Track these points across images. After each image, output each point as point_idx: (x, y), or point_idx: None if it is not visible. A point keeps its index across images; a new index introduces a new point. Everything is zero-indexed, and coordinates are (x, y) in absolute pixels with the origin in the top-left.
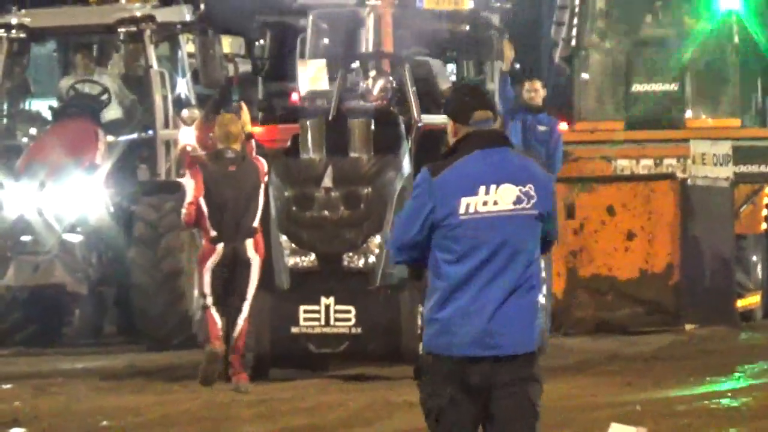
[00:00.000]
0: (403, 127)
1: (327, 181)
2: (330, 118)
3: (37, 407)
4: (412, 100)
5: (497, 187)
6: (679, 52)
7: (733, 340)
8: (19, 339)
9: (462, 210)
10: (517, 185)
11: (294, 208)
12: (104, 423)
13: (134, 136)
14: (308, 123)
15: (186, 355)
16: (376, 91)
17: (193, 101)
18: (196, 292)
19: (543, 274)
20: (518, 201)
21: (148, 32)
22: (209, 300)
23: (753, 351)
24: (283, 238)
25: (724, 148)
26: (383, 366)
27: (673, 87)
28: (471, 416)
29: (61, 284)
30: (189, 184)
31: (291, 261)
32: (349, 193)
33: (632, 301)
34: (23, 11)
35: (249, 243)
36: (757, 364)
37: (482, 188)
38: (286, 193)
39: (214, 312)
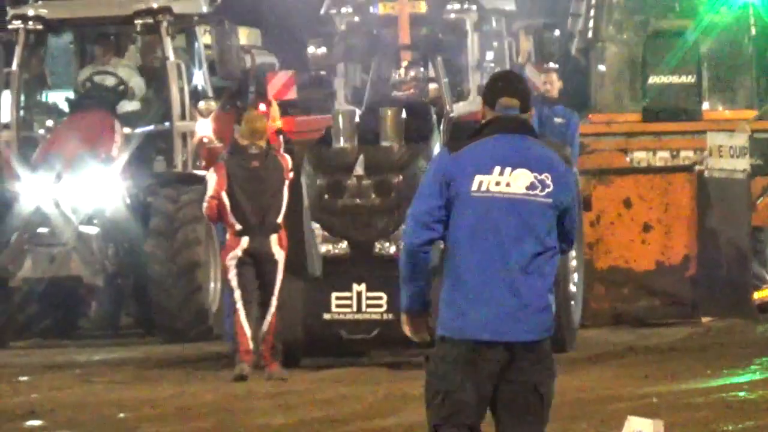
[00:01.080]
0: (434, 117)
1: (358, 169)
2: (364, 107)
3: (54, 399)
4: (444, 90)
5: (512, 170)
6: (696, 43)
7: (750, 333)
8: (36, 331)
9: (475, 187)
10: (533, 171)
11: (326, 196)
12: (121, 415)
13: (151, 127)
14: (340, 112)
15: (203, 347)
16: (408, 81)
17: (210, 93)
18: (215, 285)
19: (573, 263)
20: (532, 187)
21: (164, 24)
22: (236, 294)
23: None
24: (316, 225)
25: (741, 139)
26: (414, 352)
27: (689, 79)
28: (478, 400)
29: (78, 276)
30: (211, 178)
31: (323, 248)
32: (380, 181)
33: (649, 294)
34: (40, 2)
35: (273, 239)
36: None
37: (497, 168)
38: (319, 182)
39: (243, 317)
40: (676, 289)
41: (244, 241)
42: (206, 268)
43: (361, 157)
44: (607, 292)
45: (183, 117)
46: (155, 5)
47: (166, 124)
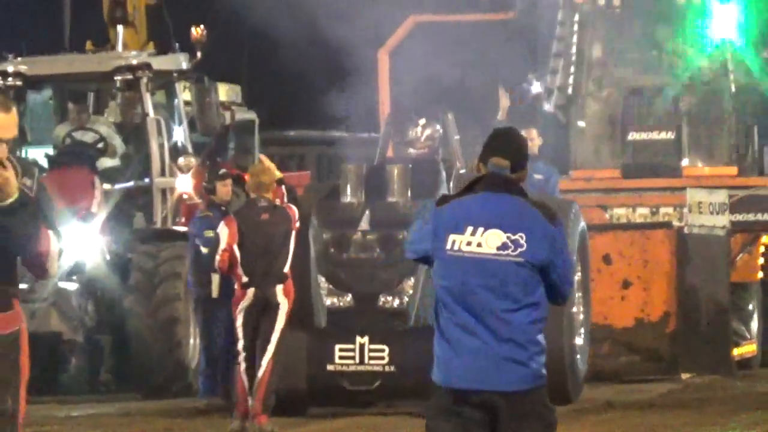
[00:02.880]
0: (443, 173)
1: (364, 224)
2: (375, 163)
3: None
4: (455, 147)
5: (485, 230)
6: (675, 100)
7: (729, 389)
8: None
9: (448, 246)
10: (505, 232)
11: (332, 250)
12: None
13: (130, 184)
14: (349, 168)
15: (183, 403)
16: (423, 139)
17: (190, 149)
18: (194, 341)
19: (581, 317)
20: (503, 247)
21: (144, 80)
22: (240, 345)
23: (749, 400)
24: (322, 278)
25: (721, 196)
26: (415, 403)
27: (669, 135)
28: None
29: (57, 332)
30: (223, 231)
31: (328, 301)
32: (384, 235)
33: (628, 350)
34: (20, 59)
35: (279, 288)
36: (754, 413)
37: (470, 228)
38: (325, 235)
39: (243, 370)
40: (656, 346)
41: (250, 292)
42: (185, 324)
43: (367, 212)
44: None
45: (163, 173)
46: (135, 62)
47: (146, 180)
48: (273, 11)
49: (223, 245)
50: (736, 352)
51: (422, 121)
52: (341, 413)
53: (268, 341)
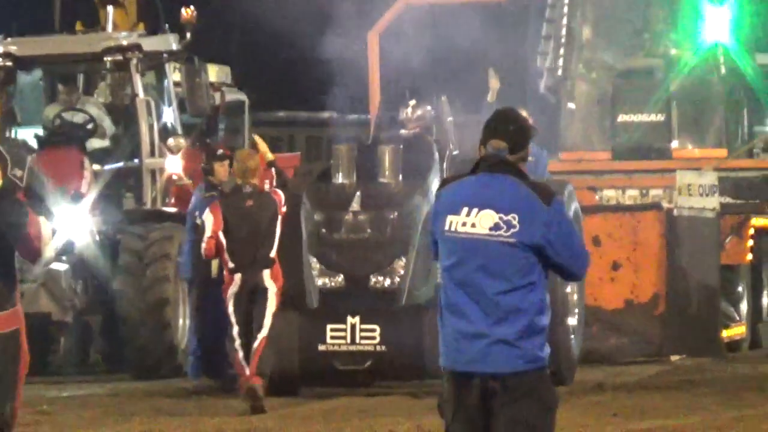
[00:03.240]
0: (436, 154)
1: (355, 205)
2: (368, 144)
3: None
4: (448, 128)
5: (479, 210)
6: (665, 82)
7: (718, 371)
8: None
9: (446, 227)
10: (498, 212)
11: (323, 231)
12: None
13: (120, 164)
14: (341, 149)
15: (172, 383)
16: (414, 119)
17: (179, 130)
18: (183, 322)
19: (575, 297)
20: (495, 228)
21: (134, 61)
22: (235, 330)
23: (738, 382)
24: (313, 259)
25: (710, 178)
26: (407, 383)
27: (659, 117)
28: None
29: (47, 313)
30: (208, 218)
31: (320, 282)
32: (376, 216)
33: (618, 332)
34: (9, 39)
35: (266, 273)
36: (743, 395)
37: (465, 209)
38: (316, 217)
39: (241, 357)
40: (645, 328)
41: (237, 277)
42: (175, 305)
43: (358, 192)
44: None
45: (152, 154)
46: (125, 42)
47: (136, 161)
48: None
49: (208, 232)
50: (725, 334)
51: (413, 102)
52: (330, 394)
53: (261, 325)
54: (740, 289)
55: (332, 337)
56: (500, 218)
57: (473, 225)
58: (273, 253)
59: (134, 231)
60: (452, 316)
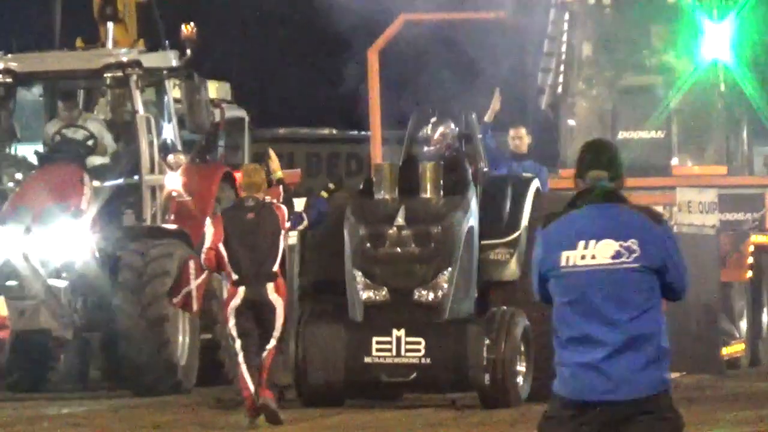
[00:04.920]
0: (469, 172)
1: (399, 220)
2: (401, 161)
3: None
4: (479, 146)
5: (597, 242)
6: (665, 99)
7: (718, 388)
8: (4, 384)
9: (563, 263)
10: (617, 240)
11: (368, 245)
12: None
13: (120, 181)
14: (383, 165)
15: (172, 400)
16: (436, 137)
17: (179, 146)
18: (183, 339)
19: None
20: (617, 255)
21: (134, 77)
22: (237, 344)
23: (738, 399)
24: (358, 273)
25: (710, 195)
26: (449, 394)
27: (659, 134)
28: None
29: (47, 329)
30: (209, 230)
31: (365, 295)
32: (419, 231)
33: None
34: (10, 56)
35: (270, 287)
36: (742, 412)
37: (581, 243)
38: (361, 231)
39: (245, 370)
40: None
41: (241, 290)
42: (175, 322)
43: (402, 208)
44: None
45: (152, 170)
46: (125, 59)
47: (136, 177)
48: (263, 9)
49: (207, 244)
50: (725, 351)
51: (433, 119)
52: (330, 410)
53: (268, 339)
54: (740, 306)
55: (378, 350)
56: (620, 245)
57: (593, 257)
58: (276, 267)
59: (134, 248)
60: (580, 347)
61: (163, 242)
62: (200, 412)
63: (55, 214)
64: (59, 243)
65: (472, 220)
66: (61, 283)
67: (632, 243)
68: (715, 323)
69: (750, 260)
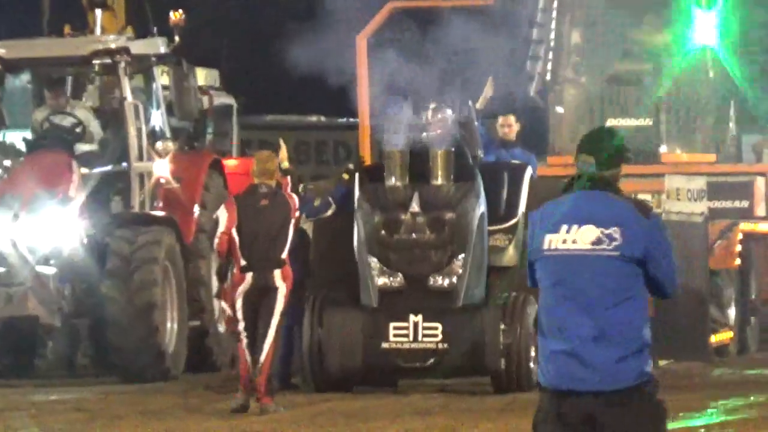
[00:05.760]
0: (470, 158)
1: (414, 207)
2: (409, 148)
3: None
4: (476, 133)
5: (579, 227)
6: (654, 86)
7: (707, 376)
8: None
9: (545, 246)
10: (599, 227)
11: (383, 232)
12: None
13: (108, 168)
14: (394, 152)
15: (160, 387)
16: (434, 123)
17: (168, 133)
18: (171, 326)
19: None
20: (598, 242)
21: (122, 64)
22: (241, 326)
23: (726, 387)
24: (373, 260)
25: (699, 183)
26: (466, 378)
27: (647, 122)
28: None
29: (35, 316)
30: (222, 215)
31: (380, 281)
32: (434, 217)
33: None
34: None
35: (277, 272)
36: (731, 400)
37: (564, 227)
38: (376, 218)
39: (245, 345)
40: None
41: (249, 276)
42: (163, 309)
43: (416, 194)
44: None
45: (140, 158)
46: (113, 46)
47: (124, 164)
48: None
49: (222, 228)
50: (714, 338)
51: (432, 105)
52: (317, 398)
53: (268, 325)
54: (728, 293)
55: (395, 335)
56: (602, 232)
57: (574, 241)
58: (284, 254)
59: (122, 235)
60: (558, 334)
61: (151, 229)
62: (188, 398)
63: (43, 201)
64: (47, 230)
65: (483, 206)
66: (49, 270)
67: (614, 231)
68: (703, 311)
69: (738, 248)
